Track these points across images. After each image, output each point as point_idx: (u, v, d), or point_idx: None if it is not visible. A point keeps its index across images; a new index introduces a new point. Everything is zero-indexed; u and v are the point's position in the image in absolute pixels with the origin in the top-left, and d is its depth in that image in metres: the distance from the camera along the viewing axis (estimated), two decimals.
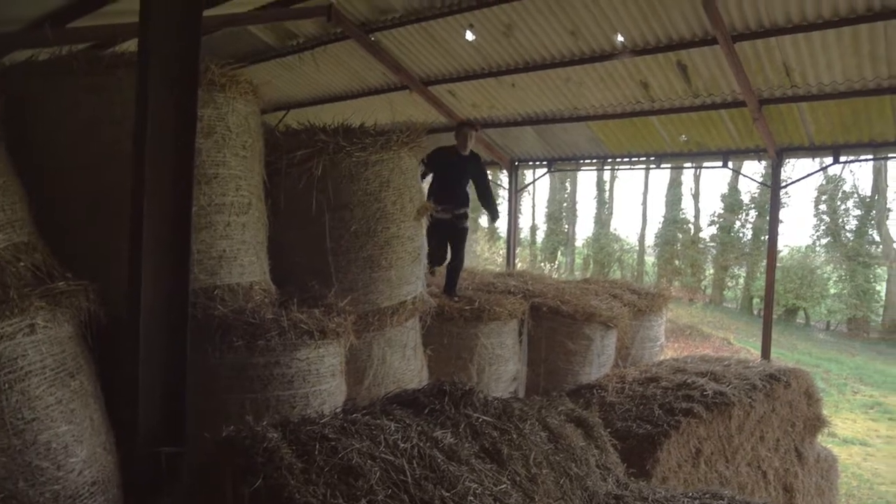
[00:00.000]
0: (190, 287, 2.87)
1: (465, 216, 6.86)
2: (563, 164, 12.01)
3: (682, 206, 30.28)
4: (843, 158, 10.07)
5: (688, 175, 30.08)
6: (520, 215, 34.52)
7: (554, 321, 6.48)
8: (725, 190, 28.55)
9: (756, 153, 10.51)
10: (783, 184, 12.18)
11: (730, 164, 10.92)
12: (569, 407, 3.68)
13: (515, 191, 12.25)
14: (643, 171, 30.92)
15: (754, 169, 29.40)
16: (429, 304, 5.24)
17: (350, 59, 10.35)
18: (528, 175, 14.93)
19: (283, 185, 4.66)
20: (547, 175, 12.24)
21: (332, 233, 4.69)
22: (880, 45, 7.49)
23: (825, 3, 7.17)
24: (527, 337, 6.41)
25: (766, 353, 9.89)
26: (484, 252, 24.98)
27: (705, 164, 11.22)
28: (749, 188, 28.02)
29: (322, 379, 3.85)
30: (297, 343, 3.67)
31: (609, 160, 11.69)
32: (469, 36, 8.85)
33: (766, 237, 27.56)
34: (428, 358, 5.59)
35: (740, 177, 25.87)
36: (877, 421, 17.13)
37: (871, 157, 9.90)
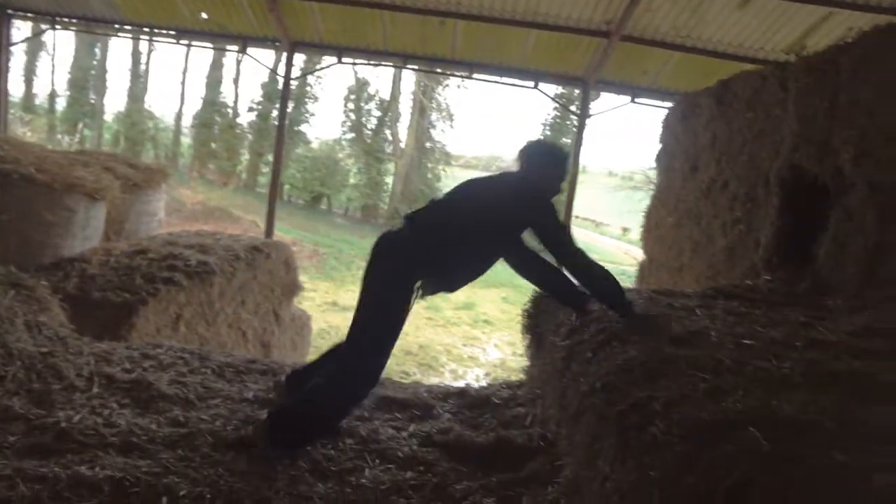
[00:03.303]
0: None
1: None
2: (68, 23, 10.80)
3: (223, 89, 30.13)
4: (345, 59, 11.27)
5: (230, 58, 29.87)
6: (35, 77, 29.95)
7: (28, 190, 6.00)
8: (265, 78, 29.25)
9: (272, 42, 11.06)
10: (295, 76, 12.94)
11: (248, 50, 11.27)
12: (5, 271, 3.57)
13: (8, 45, 10.57)
14: (185, 48, 29.52)
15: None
16: None
17: None
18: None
19: None
20: (73, 36, 10.92)
21: None
22: None
23: None
24: None
25: (269, 231, 10.81)
26: None
27: (226, 48, 11.30)
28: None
29: None
30: None
31: (125, 27, 10.94)
32: None
33: (299, 127, 29.41)
34: None
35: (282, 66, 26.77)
36: None
37: (365, 61, 11.33)
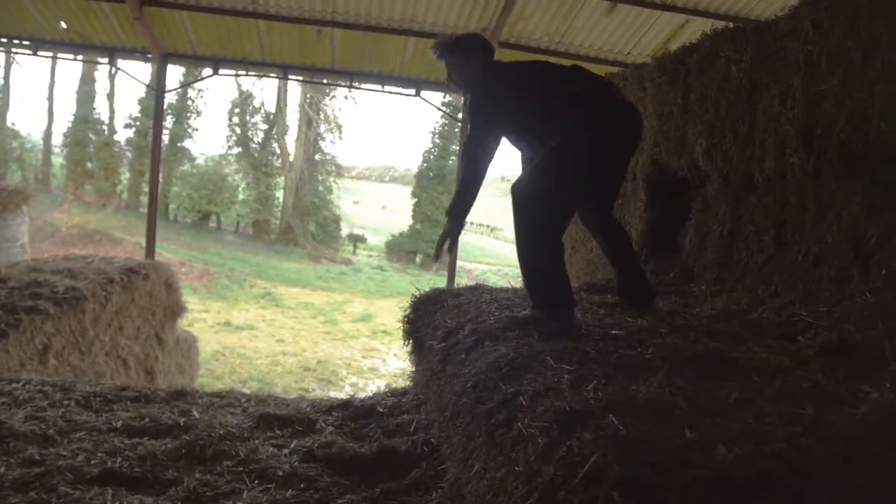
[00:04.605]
0: None
1: None
2: None
3: (96, 105, 28.56)
4: (223, 71, 10.92)
5: (102, 71, 28.37)
6: None
7: None
8: (143, 93, 27.96)
9: (143, 54, 10.56)
10: (169, 89, 12.46)
11: (119, 63, 10.74)
12: None
13: None
14: (50, 60, 27.80)
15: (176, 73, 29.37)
16: None
17: None
18: None
19: None
20: None
21: None
22: None
23: None
24: None
25: (150, 252, 10.28)
26: None
27: (93, 60, 10.65)
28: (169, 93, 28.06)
29: None
30: None
31: None
32: None
33: (182, 143, 28.30)
34: None
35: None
36: (266, 308, 19.73)
37: (244, 73, 11.02)
